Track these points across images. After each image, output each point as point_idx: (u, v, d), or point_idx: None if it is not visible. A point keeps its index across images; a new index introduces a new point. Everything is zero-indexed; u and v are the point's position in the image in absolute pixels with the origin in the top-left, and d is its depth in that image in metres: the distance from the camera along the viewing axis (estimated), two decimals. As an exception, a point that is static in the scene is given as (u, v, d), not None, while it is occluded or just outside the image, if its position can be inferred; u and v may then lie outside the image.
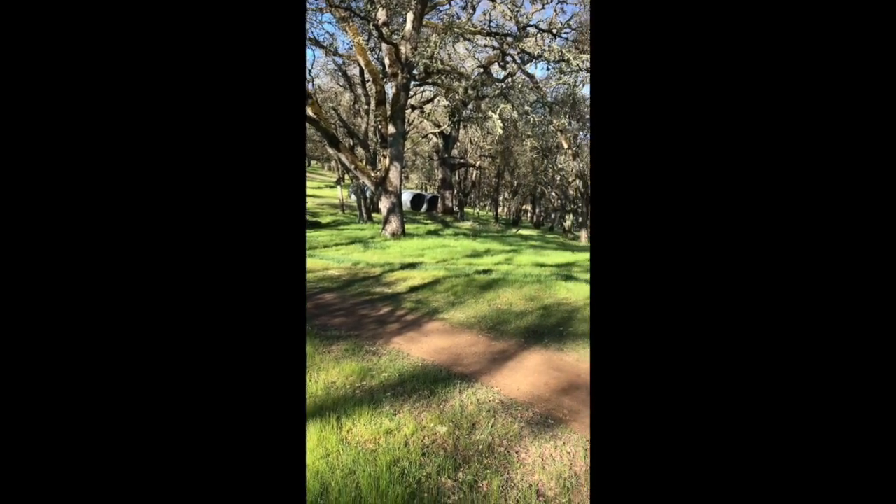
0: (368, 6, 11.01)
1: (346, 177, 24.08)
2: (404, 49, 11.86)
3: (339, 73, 19.38)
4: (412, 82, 13.46)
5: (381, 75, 13.23)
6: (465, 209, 28.71)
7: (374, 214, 18.94)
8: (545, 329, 4.57)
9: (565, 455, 2.34)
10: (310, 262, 8.19)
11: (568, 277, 7.15)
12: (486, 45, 15.28)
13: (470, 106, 16.95)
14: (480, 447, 2.35)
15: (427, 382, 3.12)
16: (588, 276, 7.57)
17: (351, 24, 12.61)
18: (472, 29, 13.09)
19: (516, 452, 2.34)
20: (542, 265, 8.65)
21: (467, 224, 20.49)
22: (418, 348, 3.89)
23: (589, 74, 13.06)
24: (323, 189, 31.94)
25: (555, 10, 14.62)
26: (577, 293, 5.96)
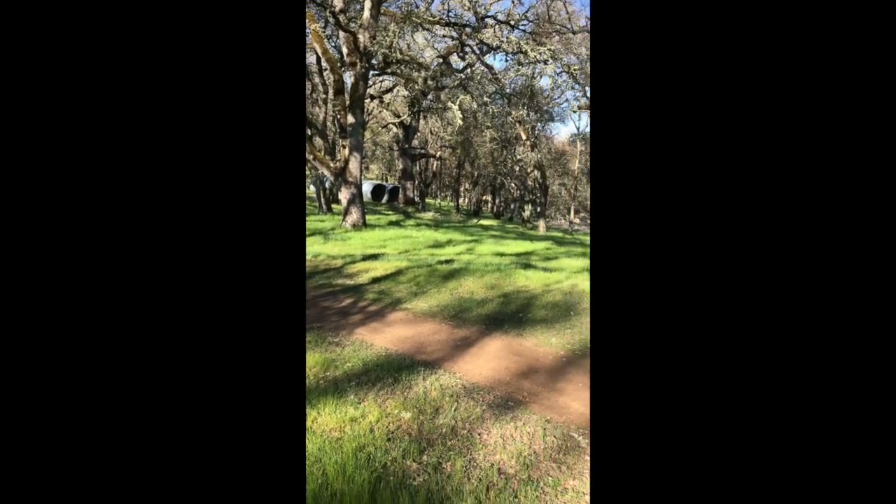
0: (324, -8, 10.76)
1: (305, 167, 23.56)
2: (362, 38, 11.68)
3: (295, 61, 18.81)
4: (371, 72, 13.29)
5: (339, 64, 12.98)
6: (427, 200, 28.70)
7: (333, 206, 18.66)
8: (505, 316, 4.69)
9: (525, 435, 2.45)
10: (268, 255, 8.00)
11: (527, 266, 7.33)
12: (444, 36, 15.25)
13: (430, 96, 16.91)
14: (444, 431, 2.43)
15: (391, 371, 3.17)
16: (546, 263, 7.79)
17: (307, 10, 12.28)
18: (431, 19, 13.03)
19: (478, 434, 2.43)
20: (502, 254, 8.82)
21: (429, 215, 20.51)
22: (382, 338, 3.93)
23: (546, 66, 13.28)
24: (280, 180, 31.02)
25: (512, 2, 14.75)
26: (536, 280, 6.13)
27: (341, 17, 11.39)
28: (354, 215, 12.25)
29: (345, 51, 12.16)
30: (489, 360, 3.51)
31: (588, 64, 20.41)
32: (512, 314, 4.76)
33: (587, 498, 1.97)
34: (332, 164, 12.31)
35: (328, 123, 18.05)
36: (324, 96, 17.48)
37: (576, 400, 2.90)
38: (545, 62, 12.82)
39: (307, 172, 23.91)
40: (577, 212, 33.82)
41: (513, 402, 2.81)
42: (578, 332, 4.27)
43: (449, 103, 13.66)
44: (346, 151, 12.20)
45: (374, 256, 7.82)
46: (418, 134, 26.04)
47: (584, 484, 2.06)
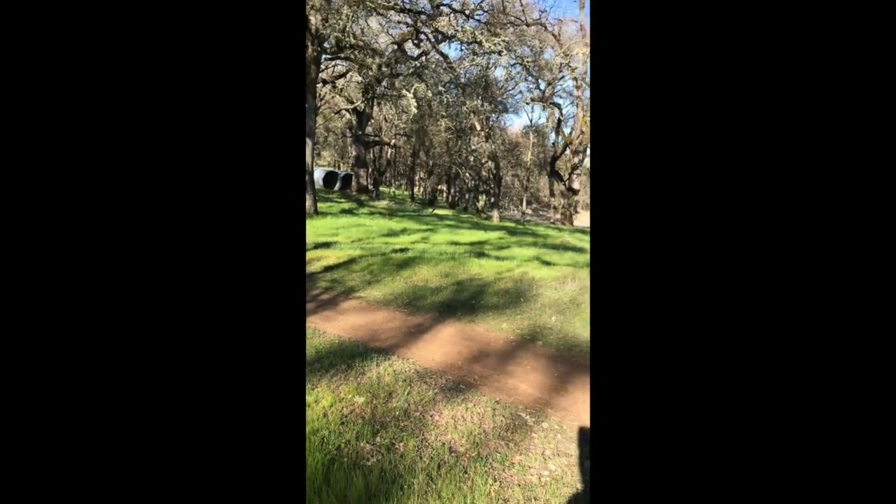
0: (274, -30, 10.33)
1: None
2: (314, 20, 11.35)
3: (243, 41, 17.97)
4: (323, 56, 12.95)
5: (289, 46, 12.54)
6: (381, 188, 28.40)
7: (284, 193, 18.08)
8: (458, 303, 4.79)
9: (475, 415, 2.54)
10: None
11: (480, 254, 7.48)
12: (399, 22, 15.06)
13: (384, 83, 16.69)
14: (397, 413, 2.49)
15: (344, 357, 3.19)
16: (498, 252, 7.97)
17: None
18: (386, 4, 12.83)
19: (431, 416, 2.51)
20: (456, 243, 8.93)
21: (383, 203, 20.35)
22: (334, 326, 3.92)
23: (500, 57, 13.42)
24: (226, 165, 29.68)
25: (468, -9, 14.74)
26: (489, 269, 6.27)
27: (292, -2, 10.99)
28: (306, 202, 12.00)
29: (296, 32, 11.76)
30: (442, 345, 3.59)
31: (541, 56, 20.75)
32: (465, 301, 4.87)
33: (532, 471, 2.09)
34: (282, 150, 11.95)
35: (278, 107, 17.40)
36: (273, 79, 16.81)
37: (524, 382, 3.03)
38: (499, 53, 12.95)
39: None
40: (529, 203, 34.55)
41: (464, 385, 2.90)
42: (528, 317, 4.43)
43: (404, 91, 13.55)
44: (298, 137, 11.87)
45: (326, 244, 7.71)
46: (372, 121, 25.66)
47: (529, 459, 2.18)
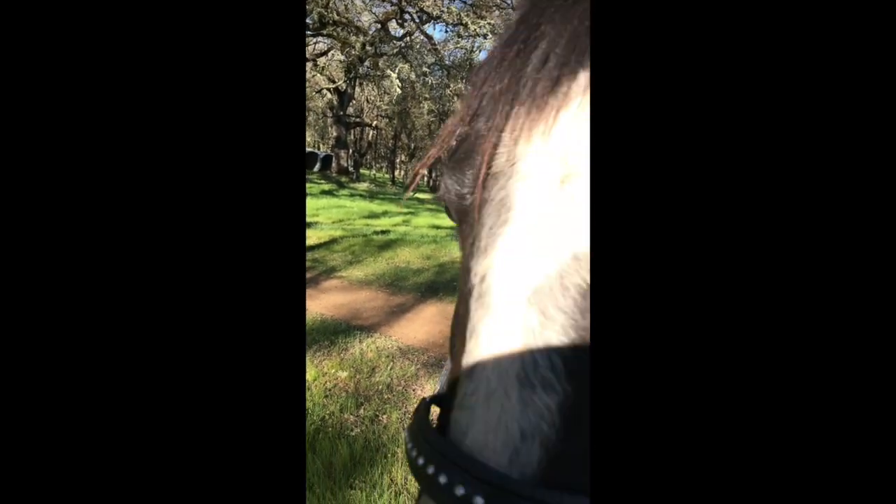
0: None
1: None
2: (296, -6, 11.04)
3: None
4: (305, 32, 12.65)
5: (269, 20, 12.20)
6: (361, 170, 28.08)
7: (263, 172, 17.73)
8: (440, 284, 4.85)
9: (457, 390, 2.62)
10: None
11: (462, 238, 7.54)
12: (384, 0, 14.76)
13: (367, 63, 16.41)
14: (380, 387, 2.54)
15: (327, 334, 3.21)
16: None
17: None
18: (370, -20, 12.57)
19: (413, 390, 2.57)
20: (438, 227, 8.96)
21: (363, 185, 20.18)
22: (317, 304, 3.93)
23: (485, 40, 13.33)
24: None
25: (454, -29, 14.50)
26: (470, 252, 6.34)
27: (273, -30, 10.66)
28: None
29: (277, 7, 11.44)
30: (424, 324, 3.64)
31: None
32: (447, 282, 4.93)
33: (511, 441, 2.18)
34: (261, 128, 11.71)
35: (257, 84, 16.93)
36: (252, 54, 16.33)
37: (504, 359, 3.12)
38: (484, 36, 12.85)
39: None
40: (510, 188, 34.55)
41: (446, 362, 2.97)
42: (508, 299, 4.51)
43: (387, 71, 13.36)
44: (278, 115, 11.64)
45: (306, 225, 7.66)
46: (354, 101, 25.26)
47: (509, 430, 2.27)
